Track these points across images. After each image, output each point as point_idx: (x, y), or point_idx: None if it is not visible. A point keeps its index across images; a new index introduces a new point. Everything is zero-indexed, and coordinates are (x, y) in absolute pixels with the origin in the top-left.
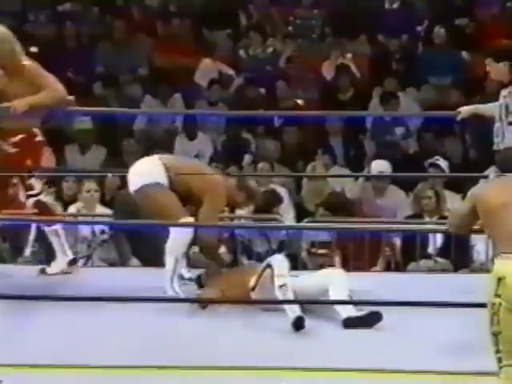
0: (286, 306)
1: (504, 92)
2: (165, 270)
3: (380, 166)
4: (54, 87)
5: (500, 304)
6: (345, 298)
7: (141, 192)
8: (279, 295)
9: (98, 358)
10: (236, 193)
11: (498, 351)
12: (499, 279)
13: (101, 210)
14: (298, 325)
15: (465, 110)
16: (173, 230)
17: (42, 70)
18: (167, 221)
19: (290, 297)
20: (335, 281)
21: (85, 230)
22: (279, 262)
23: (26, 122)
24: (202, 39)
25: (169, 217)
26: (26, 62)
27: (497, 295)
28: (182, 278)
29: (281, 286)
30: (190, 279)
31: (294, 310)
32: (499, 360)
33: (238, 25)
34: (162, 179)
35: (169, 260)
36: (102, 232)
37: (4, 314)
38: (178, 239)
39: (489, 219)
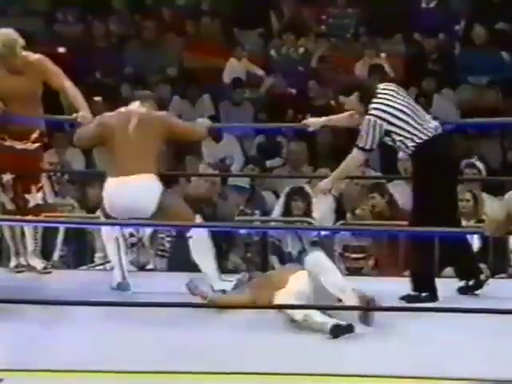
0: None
1: None
2: (205, 273)
3: None
4: (66, 80)
5: None
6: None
7: (160, 209)
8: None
9: (122, 363)
10: None
11: None
12: None
13: None
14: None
15: (315, 123)
16: (193, 231)
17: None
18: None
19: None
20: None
21: None
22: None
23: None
24: (232, 39)
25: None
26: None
27: None
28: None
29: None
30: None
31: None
32: None
33: (269, 24)
34: (159, 185)
35: (207, 260)
36: (131, 235)
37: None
38: (202, 237)
39: None
